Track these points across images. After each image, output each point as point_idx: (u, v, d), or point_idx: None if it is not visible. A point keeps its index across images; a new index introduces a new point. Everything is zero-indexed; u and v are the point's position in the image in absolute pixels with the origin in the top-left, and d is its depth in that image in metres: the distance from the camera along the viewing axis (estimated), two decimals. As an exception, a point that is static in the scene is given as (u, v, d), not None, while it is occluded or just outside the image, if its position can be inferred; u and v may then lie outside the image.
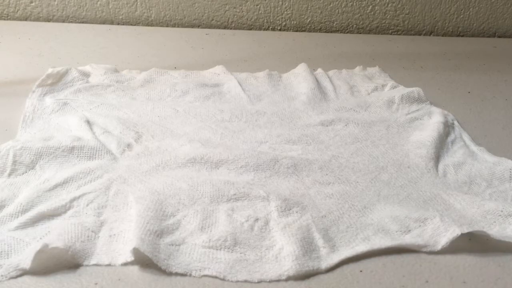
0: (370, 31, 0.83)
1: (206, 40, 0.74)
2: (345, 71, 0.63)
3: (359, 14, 0.82)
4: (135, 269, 0.31)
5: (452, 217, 0.37)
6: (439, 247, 0.34)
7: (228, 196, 0.38)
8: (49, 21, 0.79)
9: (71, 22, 0.79)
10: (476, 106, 0.55)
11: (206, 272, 0.31)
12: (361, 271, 0.32)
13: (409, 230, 0.35)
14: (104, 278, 0.30)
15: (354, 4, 0.81)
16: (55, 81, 0.54)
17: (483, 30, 0.84)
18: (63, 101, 0.51)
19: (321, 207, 0.37)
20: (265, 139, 0.47)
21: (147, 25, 0.80)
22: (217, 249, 0.33)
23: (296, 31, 0.82)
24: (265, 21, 0.82)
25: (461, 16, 0.83)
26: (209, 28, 0.80)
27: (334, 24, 0.82)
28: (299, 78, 0.59)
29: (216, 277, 0.31)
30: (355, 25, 0.83)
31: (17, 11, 0.78)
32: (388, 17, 0.82)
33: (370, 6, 0.82)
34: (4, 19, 0.78)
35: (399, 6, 0.82)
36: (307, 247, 0.33)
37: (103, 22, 0.79)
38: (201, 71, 0.60)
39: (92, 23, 0.79)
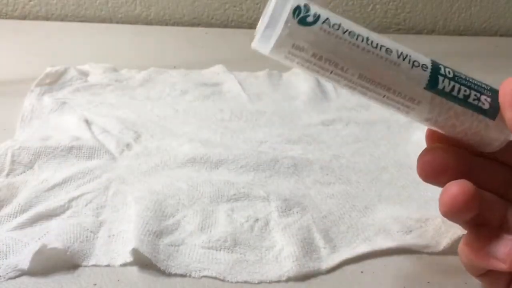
0: (371, 30, 0.83)
1: (206, 39, 0.74)
2: (345, 70, 0.63)
3: (360, 13, 0.82)
4: (134, 269, 0.31)
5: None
6: (440, 247, 0.34)
7: (228, 196, 0.37)
8: (47, 20, 0.78)
9: (70, 21, 0.79)
10: (477, 106, 0.55)
11: (205, 273, 0.31)
12: (362, 272, 0.32)
13: (411, 231, 0.35)
14: (103, 279, 0.30)
15: (355, 3, 0.81)
16: (54, 80, 0.54)
17: (485, 29, 0.83)
18: (62, 101, 0.50)
19: (321, 208, 0.37)
20: (265, 139, 0.46)
21: (146, 23, 0.80)
22: (216, 250, 0.33)
23: (296, 30, 0.82)
24: (265, 20, 0.82)
25: (463, 14, 0.83)
26: (209, 27, 0.80)
27: (335, 23, 0.82)
28: (299, 78, 0.59)
29: (216, 278, 0.31)
30: (355, 24, 0.82)
31: (16, 10, 0.78)
32: (389, 16, 0.82)
33: (371, 5, 0.81)
34: (3, 18, 0.78)
35: (400, 5, 0.82)
36: (308, 247, 0.33)
37: (102, 20, 0.79)
38: (201, 70, 0.60)
39: (91, 21, 0.79)
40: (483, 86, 0.25)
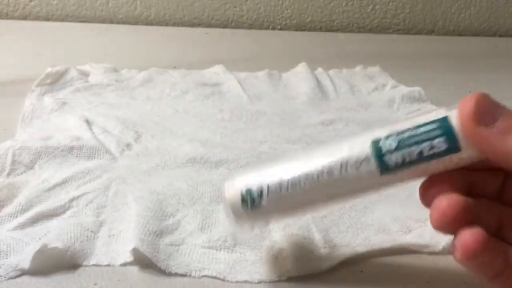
0: (370, 30, 0.83)
1: (206, 39, 0.74)
2: (345, 71, 0.63)
3: (359, 13, 0.82)
4: (134, 269, 0.31)
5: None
6: (440, 247, 0.34)
7: (228, 196, 0.37)
8: (48, 20, 0.79)
9: (71, 21, 0.79)
10: (477, 106, 0.55)
11: (206, 273, 0.31)
12: (361, 271, 0.32)
13: (410, 231, 0.35)
14: (103, 279, 0.30)
15: (355, 3, 0.81)
16: (54, 81, 0.54)
17: (484, 29, 0.84)
18: (62, 101, 0.50)
19: (321, 207, 0.37)
20: (265, 139, 0.46)
21: (147, 24, 0.80)
22: (217, 250, 0.33)
23: (297, 30, 0.82)
24: (265, 20, 0.82)
25: (462, 15, 0.83)
26: (209, 27, 0.80)
27: (335, 23, 0.82)
28: (299, 78, 0.59)
29: (216, 277, 0.31)
30: (355, 24, 0.83)
31: (16, 10, 0.78)
32: (388, 16, 0.82)
33: (371, 5, 0.82)
34: (3, 18, 0.78)
35: (400, 5, 0.82)
36: (308, 247, 0.33)
37: (103, 21, 0.79)
38: (201, 70, 0.60)
39: (92, 22, 0.79)
40: (431, 128, 0.23)
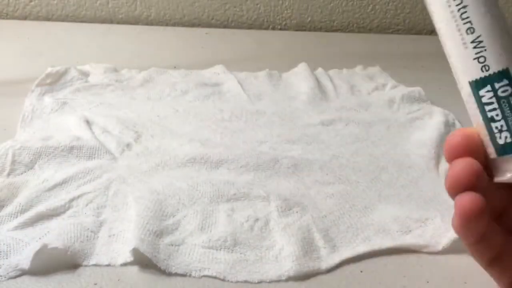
0: (370, 30, 0.83)
1: (206, 39, 0.74)
2: (345, 71, 0.63)
3: (359, 13, 0.82)
4: (134, 269, 0.31)
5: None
6: (440, 247, 0.34)
7: (228, 196, 0.38)
8: (48, 20, 0.79)
9: (71, 21, 0.79)
10: (477, 106, 0.55)
11: (206, 273, 0.31)
12: (361, 271, 0.32)
13: (410, 230, 0.35)
14: (103, 279, 0.30)
15: (355, 3, 0.81)
16: (54, 81, 0.54)
17: (484, 29, 0.83)
18: (62, 101, 0.50)
19: (321, 207, 0.37)
20: (265, 139, 0.46)
21: (147, 24, 0.80)
22: (217, 250, 0.33)
23: (296, 30, 0.82)
24: (265, 20, 0.82)
25: (462, 15, 0.83)
26: (209, 27, 0.80)
27: (335, 23, 0.82)
28: (299, 78, 0.59)
29: (216, 277, 0.31)
30: (355, 24, 0.83)
31: (16, 10, 0.78)
32: (388, 16, 0.82)
33: (371, 5, 0.82)
34: (3, 18, 0.78)
35: (400, 5, 0.82)
36: (308, 247, 0.33)
37: (103, 21, 0.79)
38: (201, 71, 0.60)
39: (92, 22, 0.79)
40: None
